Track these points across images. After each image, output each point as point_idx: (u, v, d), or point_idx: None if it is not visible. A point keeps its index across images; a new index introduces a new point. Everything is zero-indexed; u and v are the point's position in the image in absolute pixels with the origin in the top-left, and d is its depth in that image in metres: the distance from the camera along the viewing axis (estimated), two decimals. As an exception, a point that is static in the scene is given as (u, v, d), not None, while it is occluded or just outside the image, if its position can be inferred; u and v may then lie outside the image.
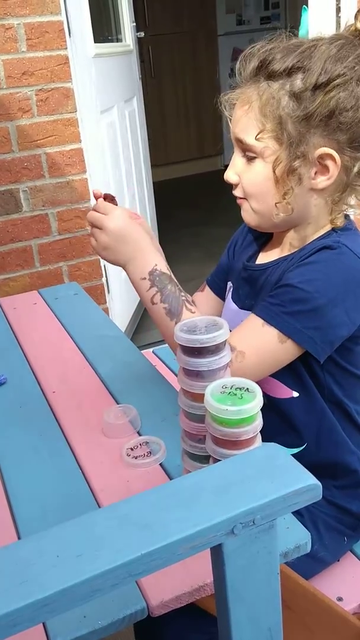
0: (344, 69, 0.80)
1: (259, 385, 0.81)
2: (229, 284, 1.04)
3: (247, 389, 0.68)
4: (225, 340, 0.71)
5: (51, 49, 1.95)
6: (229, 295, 1.03)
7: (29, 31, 1.90)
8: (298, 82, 0.82)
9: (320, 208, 0.88)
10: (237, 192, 0.91)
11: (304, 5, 0.96)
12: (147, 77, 4.62)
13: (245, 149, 0.87)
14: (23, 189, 2.03)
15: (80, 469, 0.86)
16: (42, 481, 0.85)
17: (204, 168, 5.25)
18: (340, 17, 2.30)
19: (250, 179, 0.88)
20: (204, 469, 0.52)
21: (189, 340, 0.69)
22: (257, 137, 0.84)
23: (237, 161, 0.90)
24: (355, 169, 0.84)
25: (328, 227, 0.91)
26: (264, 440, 0.69)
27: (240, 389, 0.68)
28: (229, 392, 0.68)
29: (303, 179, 0.85)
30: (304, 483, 0.49)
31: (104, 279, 2.30)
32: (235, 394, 0.67)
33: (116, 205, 0.92)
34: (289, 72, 0.82)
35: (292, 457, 0.52)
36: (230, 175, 0.90)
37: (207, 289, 1.10)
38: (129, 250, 0.89)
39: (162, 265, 0.88)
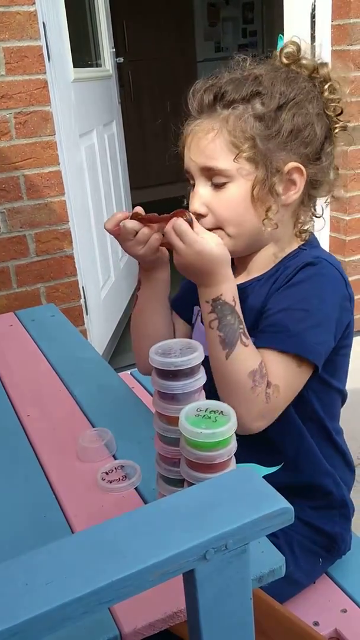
0: (297, 90, 0.87)
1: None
2: (197, 308, 1.03)
3: (222, 412, 0.68)
4: (200, 363, 0.71)
5: (30, 73, 1.96)
6: (198, 320, 1.02)
7: (8, 55, 1.92)
8: (258, 105, 0.86)
9: (284, 224, 0.92)
10: (206, 224, 0.88)
11: (280, 34, 0.99)
12: (127, 102, 4.68)
13: (215, 174, 0.87)
14: (1, 211, 2.03)
15: (54, 494, 0.85)
16: (14, 506, 0.83)
17: (182, 191, 5.29)
18: (314, 45, 2.37)
19: (225, 204, 0.88)
20: (176, 494, 0.52)
21: (163, 364, 0.69)
22: (235, 158, 0.85)
23: (202, 192, 0.89)
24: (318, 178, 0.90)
25: (294, 244, 0.93)
26: (242, 458, 0.70)
27: (214, 412, 0.68)
28: (204, 415, 0.68)
29: (279, 195, 0.88)
30: (277, 507, 0.49)
31: (82, 301, 2.29)
32: (210, 417, 0.67)
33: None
34: (247, 99, 0.86)
35: (265, 481, 0.52)
36: (198, 207, 0.89)
37: (174, 312, 1.08)
38: (203, 276, 0.85)
39: (228, 296, 0.84)
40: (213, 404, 0.69)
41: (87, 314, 2.36)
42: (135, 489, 0.85)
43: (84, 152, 2.39)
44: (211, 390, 0.80)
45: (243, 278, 0.97)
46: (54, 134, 2.06)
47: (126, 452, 0.93)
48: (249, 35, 5.62)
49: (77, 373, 1.20)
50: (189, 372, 0.70)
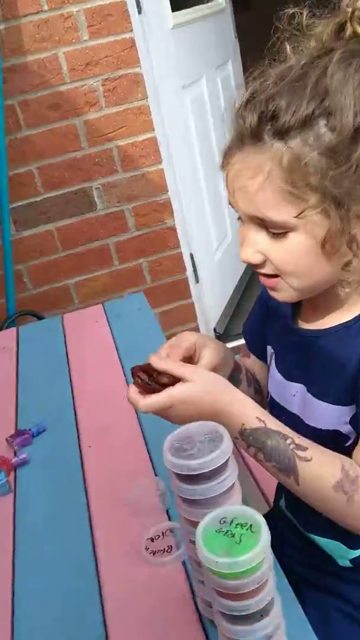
0: None
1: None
2: (269, 348, 0.86)
3: (251, 526, 0.54)
4: (227, 460, 0.57)
5: (115, 33, 1.80)
6: (272, 363, 0.84)
7: (90, 17, 1.76)
8: (324, 131, 0.60)
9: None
10: (266, 270, 0.70)
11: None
12: (250, 29, 4.30)
13: (270, 225, 0.66)
14: (96, 187, 1.94)
15: (95, 559, 0.78)
16: (50, 568, 0.79)
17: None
18: None
19: (287, 256, 0.67)
20: None
21: (176, 466, 0.56)
22: (300, 215, 0.63)
23: (255, 238, 0.68)
24: None
25: None
26: (325, 533, 0.58)
27: (241, 525, 0.54)
28: (227, 531, 0.54)
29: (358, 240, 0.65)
30: None
31: (188, 272, 2.17)
32: (234, 535, 0.54)
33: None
34: (308, 122, 0.60)
35: None
36: (251, 256, 0.68)
37: (252, 355, 0.92)
38: (209, 413, 0.68)
39: (251, 420, 0.68)
40: (241, 513, 0.55)
41: (197, 282, 2.24)
42: (183, 562, 0.74)
43: (189, 106, 2.20)
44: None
45: (319, 320, 0.76)
46: (146, 97, 1.90)
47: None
48: None
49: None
50: (209, 475, 0.56)
